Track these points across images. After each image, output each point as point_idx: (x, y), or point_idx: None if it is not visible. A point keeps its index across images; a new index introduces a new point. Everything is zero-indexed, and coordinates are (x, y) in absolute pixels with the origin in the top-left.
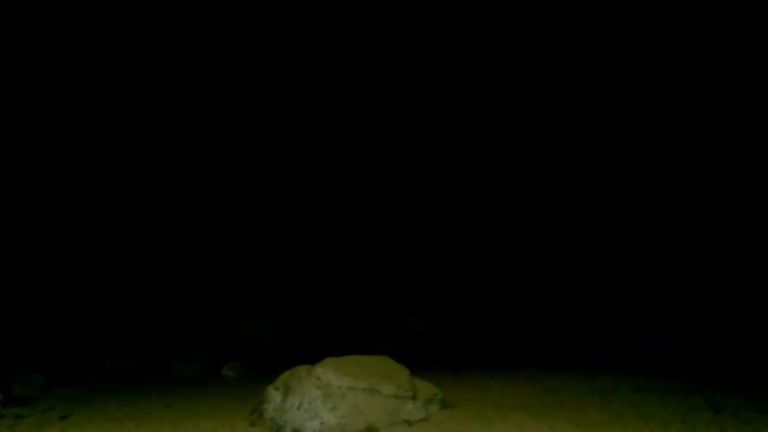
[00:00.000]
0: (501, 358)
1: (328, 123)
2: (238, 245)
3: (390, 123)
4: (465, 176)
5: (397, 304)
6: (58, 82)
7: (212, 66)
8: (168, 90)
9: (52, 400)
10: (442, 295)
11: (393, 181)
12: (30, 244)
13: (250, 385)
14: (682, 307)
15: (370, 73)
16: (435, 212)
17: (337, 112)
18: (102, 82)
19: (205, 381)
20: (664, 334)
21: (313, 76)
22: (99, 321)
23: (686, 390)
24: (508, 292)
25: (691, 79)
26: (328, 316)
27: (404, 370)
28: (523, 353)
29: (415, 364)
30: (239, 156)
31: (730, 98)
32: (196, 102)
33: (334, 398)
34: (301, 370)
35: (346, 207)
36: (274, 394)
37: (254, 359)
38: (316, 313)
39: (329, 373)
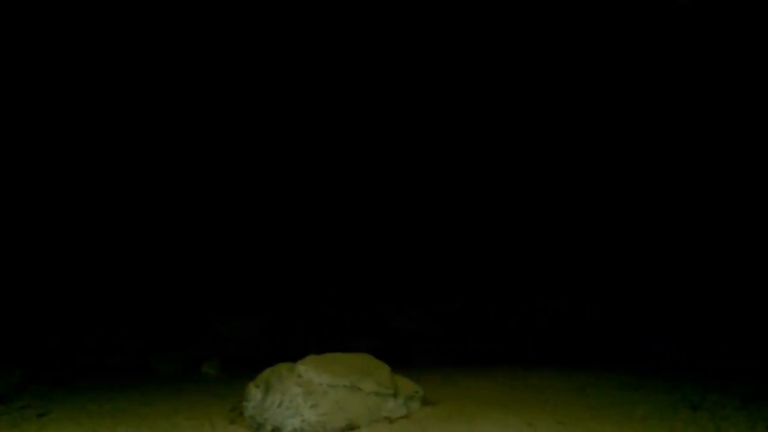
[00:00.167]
0: (482, 355)
1: (320, 119)
2: (219, 242)
3: (388, 119)
4: (464, 176)
5: (397, 304)
6: (57, 82)
7: (207, 64)
8: (157, 85)
9: (29, 397)
10: (442, 294)
11: (391, 180)
12: (3, 241)
13: (231, 383)
14: (682, 307)
15: (366, 72)
16: (434, 212)
17: (329, 108)
18: (97, 81)
19: (185, 379)
20: (664, 334)
21: (308, 75)
22: (78, 319)
23: (665, 387)
24: (508, 292)
25: (691, 79)
26: (328, 316)
27: (385, 368)
28: (505, 351)
29: (398, 362)
30: (227, 153)
31: (730, 98)
32: (182, 97)
33: (315, 396)
34: (283, 367)
35: (341, 205)
36: (254, 392)
37: (235, 357)
38: (300, 311)
39: (310, 370)
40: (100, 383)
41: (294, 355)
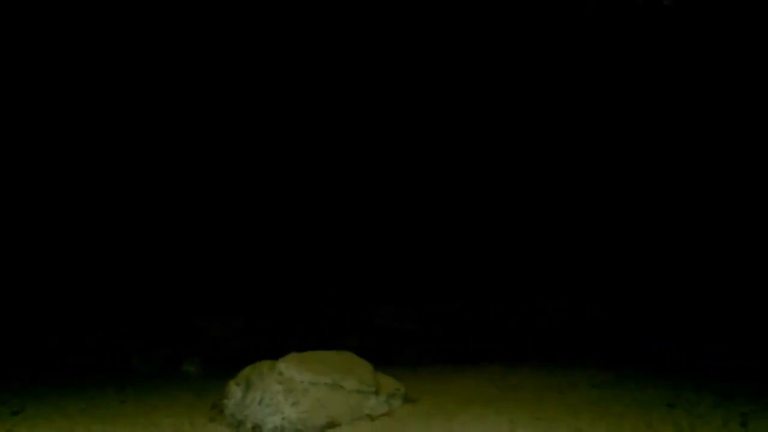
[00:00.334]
0: (464, 353)
1: (311, 115)
2: (201, 240)
3: (385, 117)
4: (464, 176)
5: (397, 305)
6: (57, 82)
7: (207, 63)
8: (151, 83)
9: (3, 395)
10: (441, 295)
11: (390, 179)
12: None
13: (211, 380)
14: (682, 307)
15: (363, 71)
16: (433, 211)
17: (321, 105)
18: (94, 81)
19: (164, 377)
20: (664, 334)
21: (304, 74)
22: (56, 317)
23: (642, 385)
24: (508, 292)
25: (691, 79)
26: (328, 316)
27: (368, 366)
28: (488, 349)
29: (382, 360)
30: (212, 151)
31: (730, 98)
32: (174, 94)
33: (296, 393)
34: (264, 365)
35: (338, 203)
36: (234, 390)
37: (216, 355)
38: (283, 309)
39: (292, 368)
40: (78, 381)
41: (276, 353)
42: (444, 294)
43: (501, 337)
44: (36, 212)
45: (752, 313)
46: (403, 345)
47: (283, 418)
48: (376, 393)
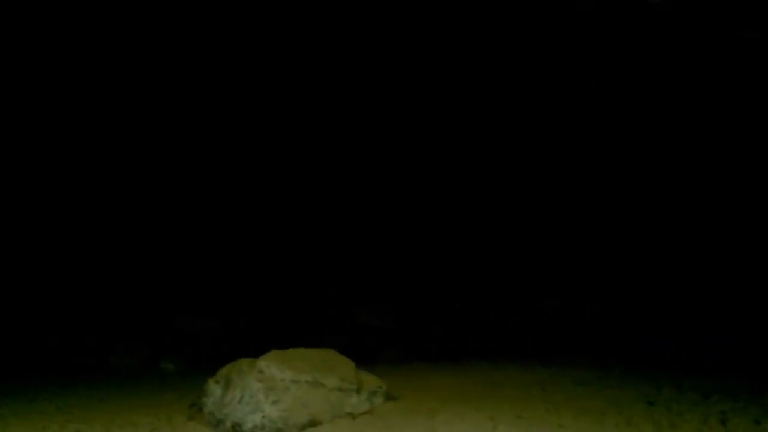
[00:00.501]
0: (446, 350)
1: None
2: (182, 239)
3: (381, 117)
4: (463, 176)
5: (397, 304)
6: (57, 82)
7: (205, 63)
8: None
9: None
10: (441, 295)
11: (388, 179)
12: None
13: (191, 379)
14: (682, 307)
15: (361, 71)
16: (432, 211)
17: (310, 105)
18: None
19: (143, 375)
20: (664, 334)
21: (301, 73)
22: (33, 315)
23: (624, 382)
24: (508, 292)
25: (691, 78)
26: (328, 315)
27: (349, 363)
28: (471, 348)
29: (363, 358)
30: (195, 150)
31: (730, 98)
32: (159, 92)
33: (276, 391)
34: (243, 363)
35: (334, 202)
36: (214, 388)
37: (196, 353)
38: (264, 308)
39: (272, 366)
40: (54, 379)
41: (257, 351)
42: (444, 294)
43: (498, 337)
44: (10, 210)
45: (752, 313)
46: (386, 343)
47: (264, 417)
48: (358, 391)
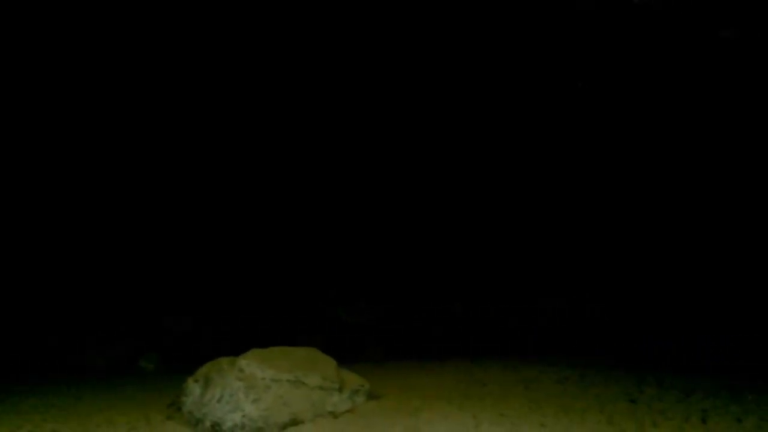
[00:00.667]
0: (430, 349)
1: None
2: (162, 238)
3: (380, 117)
4: (463, 176)
5: (398, 304)
6: (56, 82)
7: (203, 63)
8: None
9: None
10: (442, 295)
11: (387, 179)
12: None
13: (170, 377)
14: (682, 307)
15: (358, 72)
16: (432, 211)
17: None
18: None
19: (121, 374)
20: (664, 334)
21: (297, 72)
22: (11, 314)
23: (606, 380)
24: (508, 292)
25: (690, 78)
26: (328, 315)
27: (331, 362)
28: (454, 346)
29: (346, 356)
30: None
31: (730, 98)
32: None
33: (257, 390)
34: (223, 362)
35: (317, 200)
36: (193, 387)
37: (176, 352)
38: (245, 306)
39: (253, 364)
40: (31, 378)
41: (237, 350)
42: (444, 294)
43: (483, 336)
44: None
45: (752, 313)
46: (370, 341)
47: (244, 416)
48: (340, 389)
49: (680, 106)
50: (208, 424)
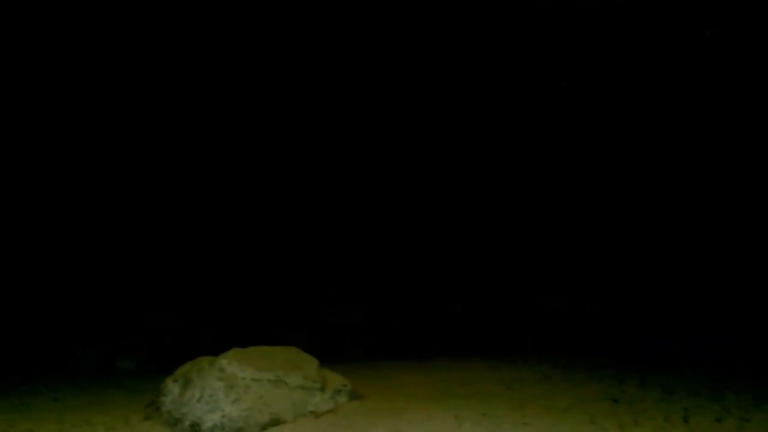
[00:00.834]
0: (412, 348)
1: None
2: (142, 237)
3: (380, 116)
4: (463, 175)
5: (382, 304)
6: (56, 82)
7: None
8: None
9: None
10: (441, 295)
11: (387, 179)
12: None
13: (148, 377)
14: (682, 307)
15: (351, 74)
16: (431, 211)
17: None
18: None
19: (99, 373)
20: (664, 334)
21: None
22: None
23: (588, 379)
24: (508, 292)
25: (690, 78)
26: (311, 315)
27: (313, 361)
28: (436, 344)
29: (329, 355)
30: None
31: (729, 98)
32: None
33: (237, 390)
34: (203, 361)
35: (303, 200)
36: (172, 386)
37: (154, 350)
38: (226, 306)
39: (233, 364)
40: (9, 378)
41: (217, 350)
42: (429, 294)
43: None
44: None
45: (751, 313)
46: (353, 341)
47: (223, 416)
48: (322, 389)
49: (679, 106)
50: (187, 424)
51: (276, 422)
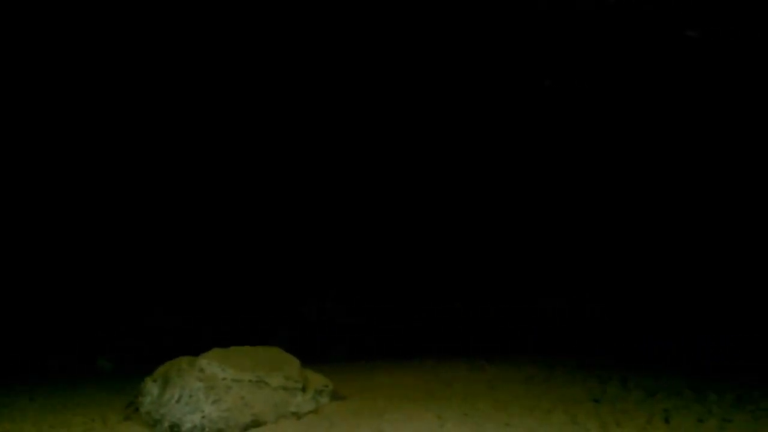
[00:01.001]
0: (396, 348)
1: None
2: (120, 238)
3: (381, 116)
4: (463, 175)
5: (365, 303)
6: (56, 82)
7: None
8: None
9: None
10: (441, 294)
11: (386, 179)
12: None
13: (128, 377)
14: (682, 307)
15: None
16: (431, 211)
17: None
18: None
19: (78, 373)
20: (665, 334)
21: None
22: None
23: (571, 380)
24: (508, 292)
25: (690, 78)
26: (294, 314)
27: (295, 361)
28: (420, 344)
29: (311, 355)
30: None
31: (729, 98)
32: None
33: (217, 390)
34: (183, 361)
35: (300, 200)
36: (151, 387)
37: (134, 350)
38: (209, 305)
39: (214, 364)
40: None
41: (197, 349)
42: (446, 294)
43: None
44: None
45: (752, 314)
46: (335, 341)
47: (203, 417)
48: (303, 390)
49: (680, 106)
50: (166, 425)
51: (257, 423)
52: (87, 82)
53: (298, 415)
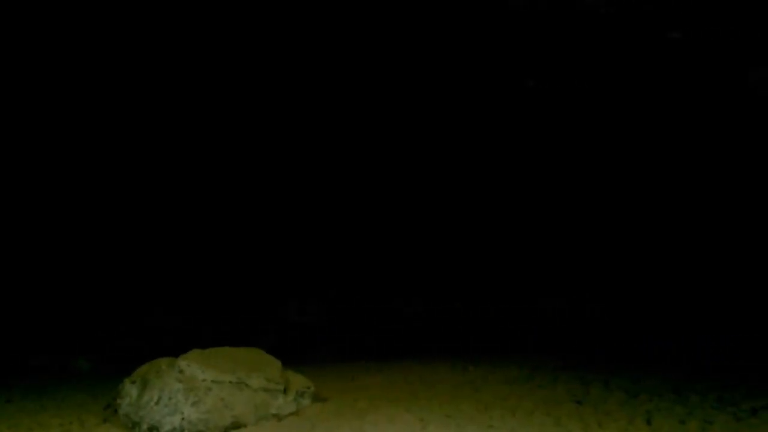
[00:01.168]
0: (378, 349)
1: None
2: (102, 239)
3: (382, 115)
4: (463, 175)
5: (348, 304)
6: (56, 82)
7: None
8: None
9: None
10: (441, 294)
11: (386, 179)
12: None
13: (106, 378)
14: (682, 307)
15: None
16: (431, 211)
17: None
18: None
19: (55, 374)
20: (664, 334)
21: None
22: None
23: (553, 381)
24: (508, 292)
25: (690, 78)
26: (275, 315)
27: (276, 362)
28: (406, 345)
29: (293, 356)
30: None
31: (729, 98)
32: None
33: (197, 392)
34: (162, 362)
35: (281, 201)
36: (129, 388)
37: (112, 350)
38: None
39: (193, 365)
40: None
41: (177, 350)
42: (446, 293)
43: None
44: None
45: (752, 314)
46: (318, 342)
47: (183, 419)
48: (285, 391)
49: (681, 106)
50: (145, 427)
51: (237, 425)
52: (87, 82)
53: (279, 417)
